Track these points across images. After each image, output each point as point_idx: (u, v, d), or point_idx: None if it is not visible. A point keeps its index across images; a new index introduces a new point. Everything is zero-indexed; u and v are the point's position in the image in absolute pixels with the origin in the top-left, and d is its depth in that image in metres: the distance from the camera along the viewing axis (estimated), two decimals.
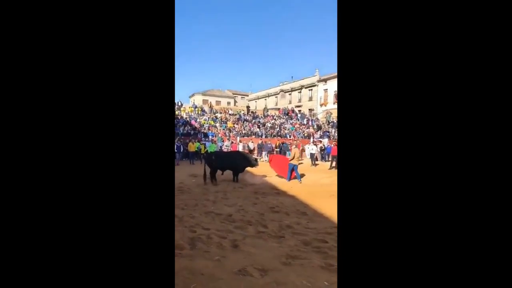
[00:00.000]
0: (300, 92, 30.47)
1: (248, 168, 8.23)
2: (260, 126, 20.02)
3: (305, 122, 22.19)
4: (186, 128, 16.72)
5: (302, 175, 8.69)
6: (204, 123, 18.77)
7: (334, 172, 9.76)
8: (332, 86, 26.07)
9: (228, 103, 36.58)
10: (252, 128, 19.40)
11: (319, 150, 14.35)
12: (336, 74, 23.30)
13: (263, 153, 14.92)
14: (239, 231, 3.62)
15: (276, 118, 22.62)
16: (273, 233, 3.56)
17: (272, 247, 3.06)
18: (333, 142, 14.59)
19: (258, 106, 33.19)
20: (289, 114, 23.78)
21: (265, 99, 35.25)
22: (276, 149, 15.26)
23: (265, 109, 25.64)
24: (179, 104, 20.90)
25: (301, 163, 12.46)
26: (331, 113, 24.22)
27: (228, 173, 8.10)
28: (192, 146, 13.32)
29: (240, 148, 14.09)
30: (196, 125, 18.00)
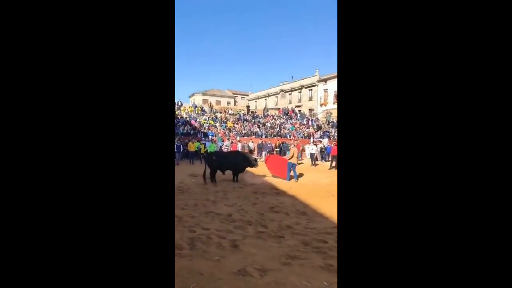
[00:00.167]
0: (300, 92, 30.47)
1: (248, 168, 8.24)
2: (260, 126, 20.02)
3: (305, 122, 22.20)
4: (186, 127, 16.72)
5: (301, 175, 8.70)
6: (204, 122, 18.77)
7: (334, 172, 9.76)
8: (332, 86, 26.07)
9: (228, 103, 36.59)
10: (252, 128, 19.40)
11: (319, 150, 14.35)
12: (336, 74, 23.31)
13: (263, 153, 14.91)
14: (238, 231, 3.62)
15: (276, 118, 22.63)
16: (272, 233, 3.56)
17: (271, 247, 3.06)
18: (333, 142, 14.58)
19: (258, 106, 33.18)
20: (289, 114, 23.78)
21: (265, 99, 35.25)
22: (276, 149, 15.26)
23: (265, 109, 25.63)
24: (179, 103, 20.89)
25: (301, 163, 12.48)
26: (331, 113, 24.23)
27: (228, 173, 8.10)
28: (192, 146, 13.31)
29: (239, 148, 14.09)
30: (196, 124, 17.99)
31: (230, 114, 21.89)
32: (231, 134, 17.72)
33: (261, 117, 22.26)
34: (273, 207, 4.98)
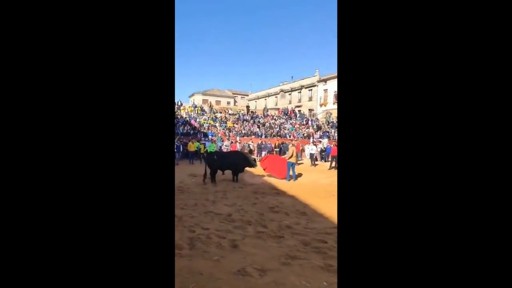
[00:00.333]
0: (300, 92, 30.47)
1: (247, 168, 8.24)
2: (260, 126, 20.02)
3: (304, 122, 22.20)
4: (185, 127, 16.71)
5: (299, 175, 8.71)
6: (204, 122, 18.76)
7: (334, 172, 9.77)
8: (332, 86, 26.07)
9: (228, 102, 36.59)
10: (252, 128, 19.40)
11: (318, 150, 14.35)
12: (336, 74, 23.31)
13: (263, 153, 14.91)
14: (238, 231, 3.62)
15: (276, 118, 22.63)
16: (272, 233, 3.56)
17: (271, 247, 3.06)
18: (333, 142, 14.59)
19: (258, 106, 33.19)
20: (288, 114, 23.78)
21: (265, 99, 35.25)
22: (275, 149, 15.26)
23: (265, 109, 25.63)
24: (179, 103, 20.88)
25: (301, 163, 12.48)
26: (331, 113, 24.24)
27: (228, 173, 8.10)
28: (192, 146, 13.31)
29: (239, 148, 14.09)
30: (196, 124, 17.99)
31: (230, 114, 21.89)
32: (230, 134, 17.72)
33: (261, 117, 22.26)
34: (273, 207, 4.97)
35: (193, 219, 4.08)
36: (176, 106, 19.37)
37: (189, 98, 37.41)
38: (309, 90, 29.37)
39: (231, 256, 2.79)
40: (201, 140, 15.20)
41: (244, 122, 20.42)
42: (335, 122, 21.25)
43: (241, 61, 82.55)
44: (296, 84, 31.01)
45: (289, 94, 31.96)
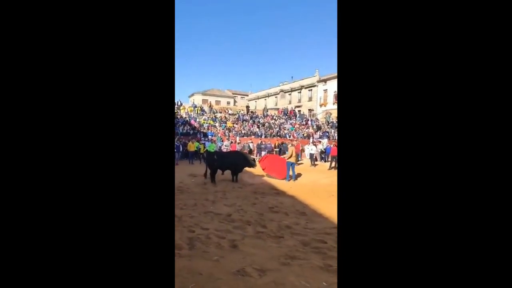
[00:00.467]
0: (300, 92, 30.48)
1: (247, 168, 8.24)
2: (260, 126, 20.02)
3: (304, 123, 22.21)
4: (185, 127, 16.71)
5: (299, 175, 8.71)
6: (204, 122, 18.75)
7: (334, 172, 9.77)
8: (332, 86, 26.08)
9: (228, 102, 36.58)
10: (251, 128, 19.40)
11: (318, 151, 14.35)
12: (335, 74, 23.33)
13: (263, 153, 14.91)
14: (238, 231, 3.62)
15: (276, 118, 22.63)
16: (272, 233, 3.56)
17: (271, 247, 3.06)
18: (333, 143, 14.59)
19: (258, 106, 33.19)
20: (288, 114, 23.79)
21: (265, 99, 35.25)
22: (275, 149, 15.26)
23: (265, 109, 25.64)
24: (179, 103, 20.86)
25: (301, 163, 12.48)
26: (331, 114, 24.25)
27: (228, 173, 8.10)
28: (192, 146, 13.30)
29: (238, 148, 14.08)
30: (196, 124, 17.98)
31: (229, 114, 21.89)
32: (230, 134, 17.72)
33: (261, 117, 22.27)
34: (273, 207, 4.97)
35: (192, 219, 4.08)
36: (176, 106, 19.37)
37: (189, 98, 37.41)
38: (309, 90, 29.38)
39: (230, 256, 2.79)
40: (201, 140, 15.20)
41: (244, 122, 20.42)
42: (335, 122, 21.26)
43: (241, 61, 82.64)
44: (296, 84, 31.02)
45: (289, 94, 31.96)
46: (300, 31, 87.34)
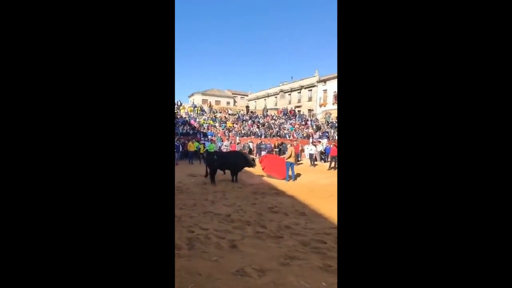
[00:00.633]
0: (300, 92, 30.49)
1: (247, 168, 8.24)
2: (259, 126, 20.02)
3: (304, 123, 22.21)
4: (185, 127, 16.70)
5: (299, 175, 8.71)
6: (204, 122, 18.75)
7: (333, 172, 9.77)
8: (332, 86, 26.09)
9: (228, 103, 36.57)
10: (251, 128, 19.40)
11: (318, 151, 14.35)
12: (335, 74, 23.34)
13: (262, 153, 14.91)
14: (237, 231, 3.62)
15: (276, 118, 22.63)
16: (271, 233, 3.56)
17: (270, 248, 3.06)
18: (332, 143, 14.59)
19: (257, 106, 33.18)
20: (288, 115, 23.80)
21: (265, 99, 35.24)
22: (275, 149, 15.27)
23: (265, 109, 25.64)
24: (179, 103, 20.86)
25: (301, 163, 12.48)
26: (330, 114, 24.25)
27: (228, 173, 8.10)
28: (192, 146, 13.30)
29: (238, 148, 14.08)
30: (196, 124, 17.98)
31: (229, 114, 21.88)
32: (230, 134, 17.72)
33: (261, 117, 22.27)
34: (272, 207, 4.97)
35: (192, 219, 4.07)
36: (175, 106, 19.36)
37: (189, 98, 37.38)
38: (308, 90, 29.38)
39: (230, 256, 2.79)
40: (200, 140, 15.19)
41: (244, 122, 20.41)
42: (334, 122, 21.27)
43: (241, 61, 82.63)
44: (295, 85, 31.03)
45: (289, 95, 31.97)
46: (300, 31, 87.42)
